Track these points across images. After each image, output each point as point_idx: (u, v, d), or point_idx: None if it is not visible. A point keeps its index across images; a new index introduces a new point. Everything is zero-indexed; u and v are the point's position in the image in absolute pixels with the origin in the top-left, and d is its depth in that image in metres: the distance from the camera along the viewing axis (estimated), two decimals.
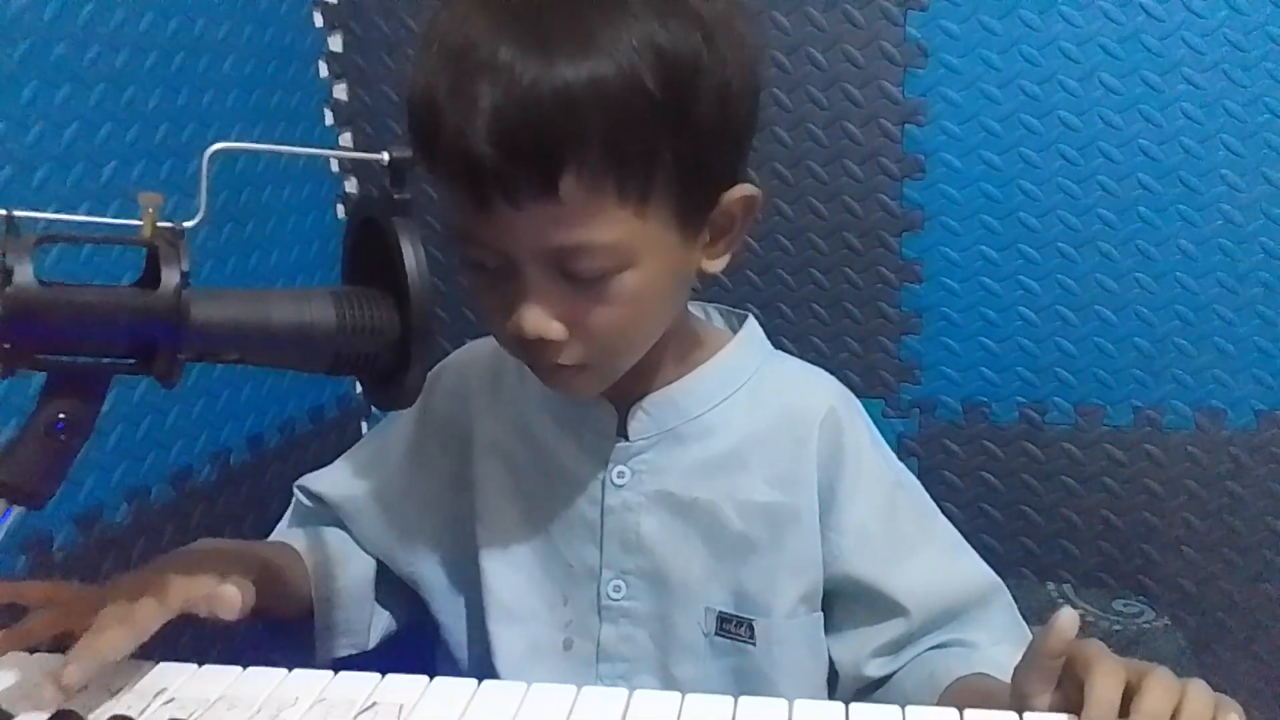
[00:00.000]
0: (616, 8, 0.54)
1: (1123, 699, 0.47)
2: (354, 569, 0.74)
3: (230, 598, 0.57)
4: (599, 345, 0.60)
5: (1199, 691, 0.47)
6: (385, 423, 0.79)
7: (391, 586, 0.76)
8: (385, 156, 0.50)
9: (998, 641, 0.64)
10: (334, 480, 0.77)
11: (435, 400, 0.75)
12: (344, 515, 0.76)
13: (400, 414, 0.77)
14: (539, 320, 0.58)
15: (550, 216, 0.55)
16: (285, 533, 0.77)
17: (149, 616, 0.55)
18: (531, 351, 0.60)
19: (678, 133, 0.55)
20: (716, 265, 0.63)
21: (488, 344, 0.75)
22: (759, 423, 0.68)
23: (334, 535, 0.76)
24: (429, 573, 0.75)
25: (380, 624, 0.76)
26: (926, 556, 0.67)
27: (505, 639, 0.70)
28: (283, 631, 0.72)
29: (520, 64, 0.53)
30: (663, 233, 0.58)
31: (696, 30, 0.55)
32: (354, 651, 0.74)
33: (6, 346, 0.43)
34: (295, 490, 0.80)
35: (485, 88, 0.53)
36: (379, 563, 0.76)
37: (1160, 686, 0.46)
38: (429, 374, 0.78)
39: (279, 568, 0.69)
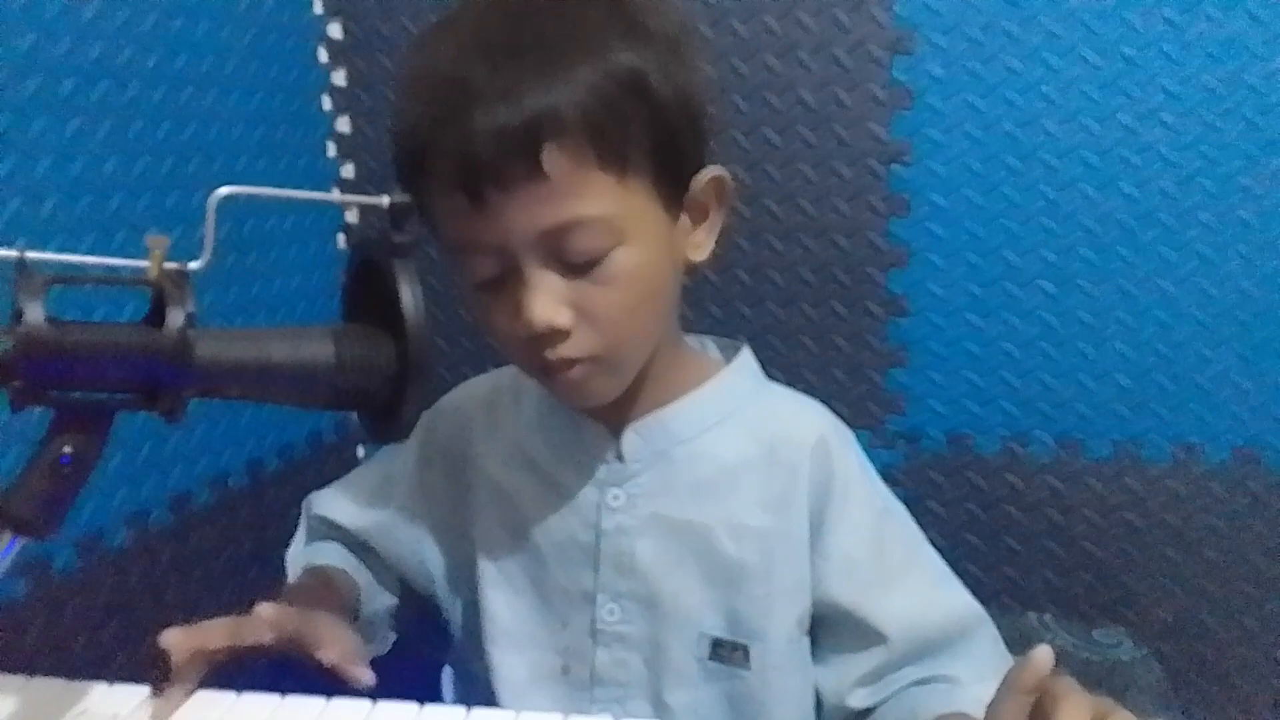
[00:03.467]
0: (577, 22, 0.59)
1: None
2: (388, 590, 0.79)
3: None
4: (607, 331, 0.61)
5: None
6: (388, 453, 0.81)
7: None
8: (385, 200, 0.52)
9: (982, 678, 0.63)
10: (348, 508, 0.80)
11: (437, 432, 0.78)
12: (366, 540, 0.79)
13: (403, 448, 0.79)
14: (545, 308, 0.59)
15: (539, 194, 0.58)
16: (323, 550, 0.79)
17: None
18: (542, 349, 0.61)
19: (646, 115, 0.59)
20: (701, 254, 0.66)
21: (486, 379, 0.78)
22: (750, 449, 0.69)
23: (369, 555, 0.80)
24: (444, 597, 0.77)
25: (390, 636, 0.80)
26: (910, 586, 0.68)
27: (506, 664, 0.71)
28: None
29: (498, 81, 0.57)
30: (647, 208, 0.61)
31: (650, 43, 0.60)
32: (376, 655, 0.78)
33: (17, 384, 0.44)
34: (309, 512, 0.81)
35: (469, 104, 0.57)
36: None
37: None
38: (427, 411, 0.80)
39: (342, 591, 0.73)
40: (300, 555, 0.80)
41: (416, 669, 0.80)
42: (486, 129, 0.56)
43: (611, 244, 0.59)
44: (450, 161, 0.58)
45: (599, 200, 0.59)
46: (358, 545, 0.80)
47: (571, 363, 0.62)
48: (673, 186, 0.62)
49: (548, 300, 0.59)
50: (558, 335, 0.60)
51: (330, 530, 0.81)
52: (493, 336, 0.64)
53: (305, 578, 0.75)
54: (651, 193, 0.61)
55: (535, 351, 0.62)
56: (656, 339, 0.65)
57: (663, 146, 0.61)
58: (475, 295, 0.63)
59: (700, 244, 0.66)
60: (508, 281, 0.60)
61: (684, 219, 0.64)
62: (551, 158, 0.57)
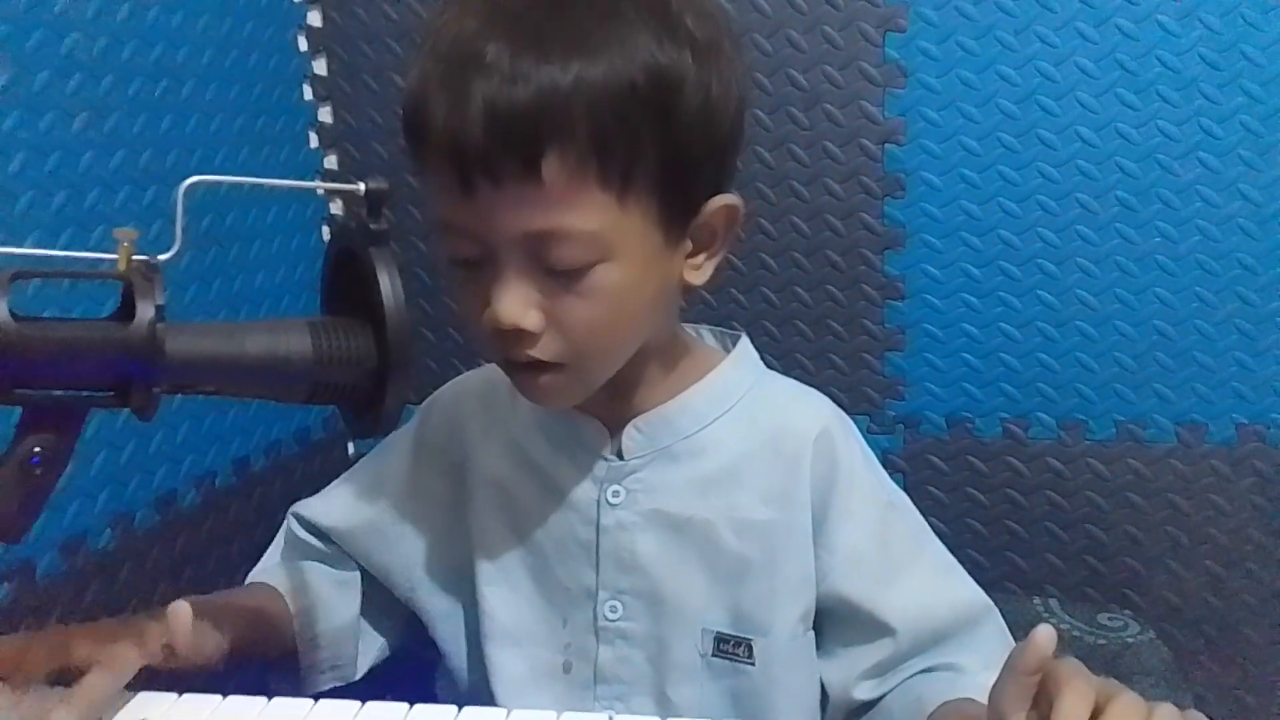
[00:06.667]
0: (612, 16, 0.56)
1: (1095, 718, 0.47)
2: (338, 608, 0.74)
3: (180, 612, 0.57)
4: (575, 341, 0.60)
5: (1166, 716, 0.46)
6: (380, 451, 0.79)
7: (388, 612, 0.77)
8: (361, 187, 0.50)
9: (987, 666, 0.63)
10: (332, 509, 0.77)
11: (429, 429, 0.76)
12: (344, 543, 0.77)
13: (395, 444, 0.78)
14: (515, 307, 0.58)
15: (531, 197, 0.56)
16: (270, 570, 0.77)
17: (129, 658, 0.56)
18: (507, 345, 0.60)
19: (661, 134, 0.57)
20: (699, 277, 0.64)
21: (481, 373, 0.76)
22: (752, 441, 0.68)
23: (319, 573, 0.76)
24: (429, 599, 0.75)
25: (371, 653, 0.76)
26: (916, 577, 0.67)
27: (504, 662, 0.70)
28: (269, 667, 0.72)
29: (512, 62, 0.54)
30: (643, 230, 0.59)
31: (686, 46, 0.57)
32: (341, 684, 0.74)
33: None
34: (290, 518, 0.79)
35: (476, 80, 0.55)
36: (377, 588, 0.76)
37: (1124, 711, 0.46)
38: (423, 404, 0.78)
39: (257, 611, 0.70)
40: (263, 564, 0.78)
41: (410, 676, 0.78)
42: (488, 116, 0.54)
43: (596, 258, 0.57)
44: (446, 138, 0.56)
45: (591, 215, 0.56)
46: (324, 555, 0.77)
47: (535, 364, 0.60)
48: (678, 211, 0.60)
49: (518, 301, 0.58)
50: (524, 336, 0.59)
51: (307, 533, 0.78)
52: (464, 317, 0.62)
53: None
54: (652, 215, 0.59)
55: (501, 344, 0.61)
56: (630, 351, 0.64)
57: (674, 170, 0.58)
58: (452, 270, 0.61)
59: (700, 268, 0.63)
60: (485, 267, 0.59)
61: (686, 243, 0.62)
62: (550, 164, 0.55)
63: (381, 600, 0.76)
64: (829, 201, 1.07)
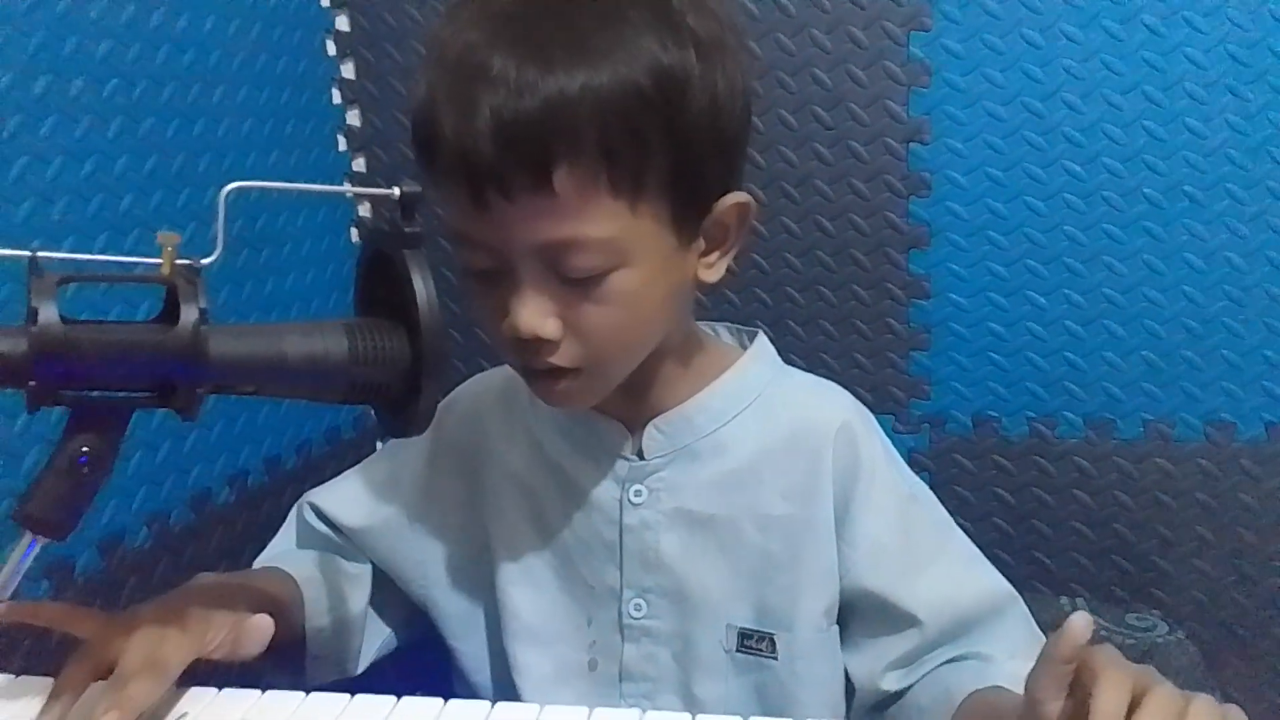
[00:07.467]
0: (615, 21, 0.56)
1: (1132, 709, 0.46)
2: (348, 601, 0.74)
3: (263, 629, 0.59)
4: (593, 346, 0.60)
5: (1203, 708, 0.46)
6: (396, 447, 0.80)
7: (397, 606, 0.77)
8: (396, 191, 0.51)
9: (1014, 655, 0.64)
10: (347, 506, 0.77)
11: (448, 428, 0.76)
12: (357, 540, 0.77)
13: (412, 441, 0.76)
14: (533, 317, 0.58)
15: (543, 209, 0.56)
16: (284, 555, 0.77)
17: (174, 661, 0.56)
18: (526, 354, 0.61)
19: (669, 137, 0.57)
20: (713, 275, 0.64)
21: (499, 373, 0.76)
22: (772, 437, 0.68)
23: (332, 565, 0.75)
24: (443, 597, 0.75)
25: (375, 646, 0.76)
26: (940, 568, 0.67)
27: (529, 660, 0.71)
28: (271, 655, 0.72)
29: (518, 71, 0.55)
30: (656, 233, 0.59)
31: (690, 45, 0.58)
32: (340, 678, 0.74)
33: (33, 384, 0.44)
34: (304, 506, 0.79)
35: (483, 93, 0.55)
36: (387, 581, 0.76)
37: (1162, 702, 0.45)
38: (441, 403, 0.78)
39: (275, 599, 0.69)
40: (274, 548, 0.78)
41: (425, 671, 0.78)
42: (496, 129, 0.54)
43: (611, 265, 0.58)
44: (455, 153, 0.56)
45: (604, 223, 0.57)
46: (336, 548, 0.76)
47: (554, 370, 0.61)
48: (689, 211, 0.60)
49: (536, 311, 0.58)
50: (543, 344, 0.59)
51: (322, 526, 0.77)
52: (480, 325, 0.63)
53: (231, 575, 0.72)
54: (664, 218, 0.59)
55: (519, 353, 0.61)
56: (646, 352, 0.64)
57: (683, 172, 0.58)
58: (468, 281, 0.62)
59: (714, 266, 0.64)
60: (501, 277, 0.59)
61: (699, 241, 0.62)
62: (561, 174, 0.55)
63: (391, 594, 0.76)
64: (853, 201, 1.07)
